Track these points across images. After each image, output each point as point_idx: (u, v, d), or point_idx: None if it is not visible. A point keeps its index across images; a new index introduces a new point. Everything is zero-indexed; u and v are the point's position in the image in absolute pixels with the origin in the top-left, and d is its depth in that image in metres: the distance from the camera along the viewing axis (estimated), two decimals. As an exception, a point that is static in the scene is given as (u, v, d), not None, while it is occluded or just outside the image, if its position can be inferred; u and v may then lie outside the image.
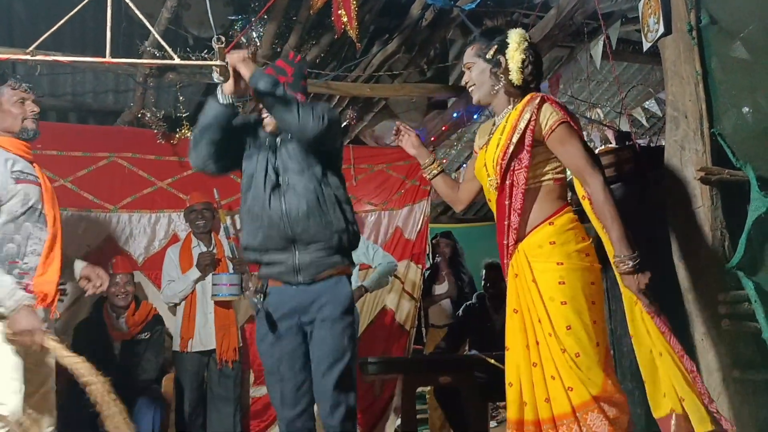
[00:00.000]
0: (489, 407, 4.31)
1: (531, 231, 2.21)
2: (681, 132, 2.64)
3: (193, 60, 3.82)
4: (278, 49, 4.19)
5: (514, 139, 2.20)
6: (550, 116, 2.18)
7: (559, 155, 2.20)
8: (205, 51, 4.00)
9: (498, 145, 2.25)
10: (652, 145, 4.55)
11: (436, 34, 4.36)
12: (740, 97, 2.50)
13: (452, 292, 5.57)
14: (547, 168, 2.23)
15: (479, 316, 4.67)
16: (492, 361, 3.49)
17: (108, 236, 4.47)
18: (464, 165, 6.77)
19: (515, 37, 2.27)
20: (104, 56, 2.34)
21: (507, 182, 2.23)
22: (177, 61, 2.14)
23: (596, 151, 2.85)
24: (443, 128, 5.33)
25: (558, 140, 2.17)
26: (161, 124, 4.58)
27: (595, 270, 2.21)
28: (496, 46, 2.29)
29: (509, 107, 2.30)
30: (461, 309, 4.92)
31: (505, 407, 2.47)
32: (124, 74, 4.44)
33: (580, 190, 2.21)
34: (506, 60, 2.27)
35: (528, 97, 2.25)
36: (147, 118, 4.53)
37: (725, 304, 2.40)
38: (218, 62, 2.29)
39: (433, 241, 5.69)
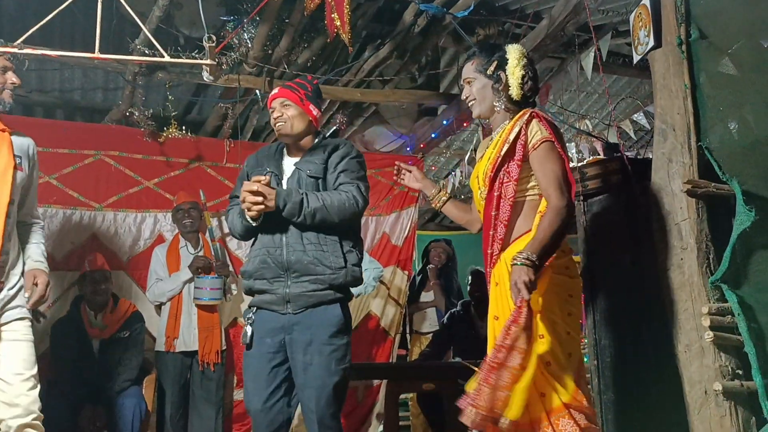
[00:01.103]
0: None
1: (513, 241, 2.24)
2: (669, 145, 2.65)
3: (183, 59, 3.80)
4: (270, 51, 4.18)
5: (503, 152, 2.25)
6: (535, 134, 2.22)
7: (535, 172, 2.23)
8: (196, 51, 3.98)
9: (489, 158, 2.30)
10: (639, 157, 4.56)
11: (428, 41, 4.37)
12: (727, 112, 2.52)
13: (439, 302, 5.54)
14: (533, 183, 2.26)
15: (464, 324, 4.67)
16: (476, 368, 3.48)
17: (92, 234, 4.43)
18: (453, 173, 6.77)
19: (515, 53, 2.31)
20: (93, 53, 2.33)
21: (495, 194, 2.27)
22: (167, 58, 2.13)
23: (585, 162, 2.86)
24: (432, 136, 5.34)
25: (538, 158, 2.21)
26: (149, 123, 4.54)
27: (575, 283, 2.24)
28: (496, 62, 2.33)
29: (505, 122, 2.34)
30: (446, 316, 4.91)
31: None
32: (113, 72, 4.41)
33: (543, 207, 2.22)
34: (506, 76, 2.31)
35: (521, 112, 2.29)
36: (135, 117, 4.50)
37: (709, 316, 2.41)
38: (208, 61, 2.28)
39: (432, 244, 5.62)
